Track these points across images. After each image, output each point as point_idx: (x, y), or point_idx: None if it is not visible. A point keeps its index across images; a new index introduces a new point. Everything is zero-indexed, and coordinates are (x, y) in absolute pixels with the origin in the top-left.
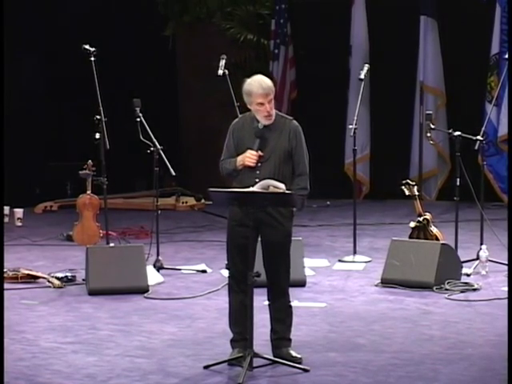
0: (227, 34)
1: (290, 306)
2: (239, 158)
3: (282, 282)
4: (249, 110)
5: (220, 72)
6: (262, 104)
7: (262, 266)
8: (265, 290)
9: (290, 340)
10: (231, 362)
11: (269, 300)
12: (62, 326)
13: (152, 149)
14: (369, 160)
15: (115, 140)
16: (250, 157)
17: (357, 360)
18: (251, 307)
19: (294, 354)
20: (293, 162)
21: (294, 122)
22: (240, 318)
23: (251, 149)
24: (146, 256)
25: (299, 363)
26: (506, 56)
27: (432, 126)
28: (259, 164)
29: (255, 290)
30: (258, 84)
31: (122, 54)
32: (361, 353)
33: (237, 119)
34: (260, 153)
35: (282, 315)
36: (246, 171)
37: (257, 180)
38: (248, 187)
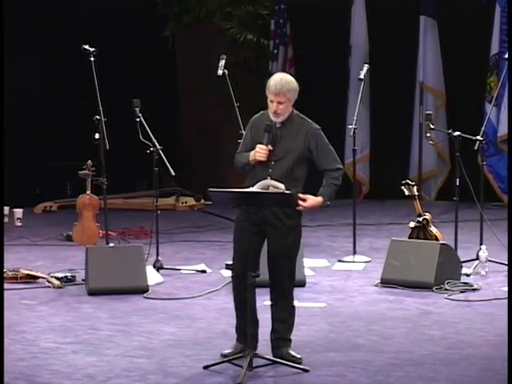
0: (227, 34)
1: (293, 307)
2: (251, 153)
3: (284, 283)
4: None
5: (220, 72)
6: (271, 101)
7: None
8: (265, 290)
9: (290, 340)
10: (229, 356)
11: (271, 300)
12: (61, 326)
13: (152, 149)
14: (369, 160)
15: (115, 140)
16: (259, 151)
17: (357, 360)
18: (251, 307)
19: (293, 354)
20: (319, 161)
21: (314, 124)
22: (241, 313)
23: (261, 143)
24: (146, 256)
25: (299, 363)
26: (506, 56)
27: (432, 126)
28: (272, 162)
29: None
30: (274, 81)
31: (122, 54)
32: (361, 353)
33: (258, 114)
34: (270, 147)
35: (283, 315)
36: (258, 168)
37: (268, 178)
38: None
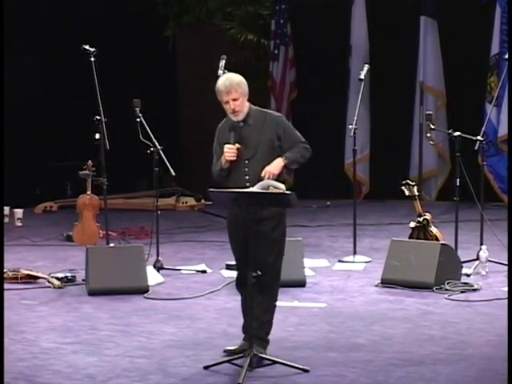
0: (227, 34)
1: (273, 305)
2: (222, 157)
3: (266, 274)
4: None
5: (220, 72)
6: (226, 102)
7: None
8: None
9: (263, 340)
10: (231, 351)
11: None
12: (62, 326)
13: (152, 149)
14: (369, 160)
15: (115, 140)
16: (227, 150)
17: (357, 360)
18: (252, 307)
19: (261, 354)
20: (285, 143)
21: (276, 113)
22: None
23: (229, 143)
24: (146, 256)
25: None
26: (506, 56)
27: (432, 127)
28: (246, 161)
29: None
30: (221, 82)
31: (122, 54)
32: (361, 353)
33: (221, 122)
34: (237, 145)
35: (258, 312)
36: (235, 169)
37: (247, 177)
38: (241, 184)
